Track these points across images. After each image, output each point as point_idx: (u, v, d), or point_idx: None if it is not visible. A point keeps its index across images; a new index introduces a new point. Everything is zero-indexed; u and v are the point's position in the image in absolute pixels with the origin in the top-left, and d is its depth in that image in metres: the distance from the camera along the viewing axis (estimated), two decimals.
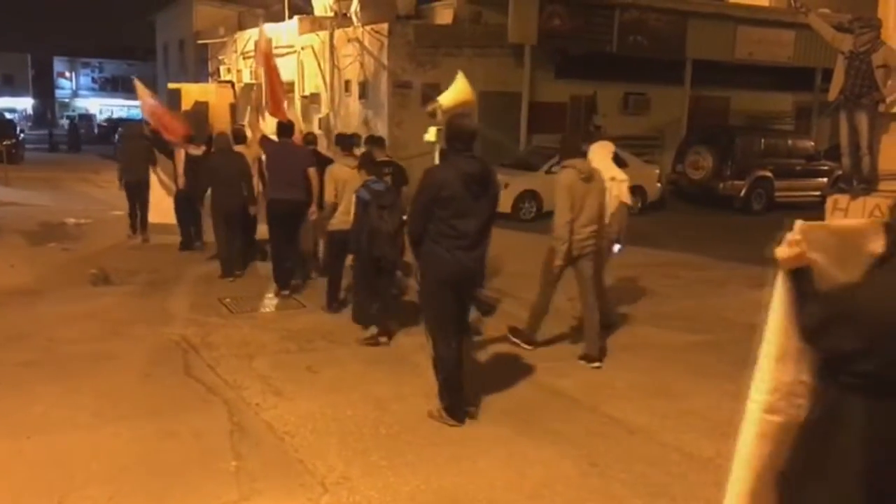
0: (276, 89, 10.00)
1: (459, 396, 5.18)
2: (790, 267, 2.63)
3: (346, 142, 8.50)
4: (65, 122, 53.10)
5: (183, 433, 4.87)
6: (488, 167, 5.10)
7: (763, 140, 17.57)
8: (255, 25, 24.48)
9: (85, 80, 62.69)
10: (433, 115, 8.14)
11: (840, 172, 9.44)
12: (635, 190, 11.84)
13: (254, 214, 9.32)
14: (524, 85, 18.21)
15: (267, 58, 10.29)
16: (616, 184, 7.15)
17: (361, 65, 18.48)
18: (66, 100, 61.63)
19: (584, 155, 6.76)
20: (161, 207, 10.96)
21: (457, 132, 5.04)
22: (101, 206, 14.06)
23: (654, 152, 19.68)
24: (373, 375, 6.04)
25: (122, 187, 11.39)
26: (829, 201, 8.06)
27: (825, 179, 16.70)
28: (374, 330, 6.87)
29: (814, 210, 9.08)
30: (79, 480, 4.23)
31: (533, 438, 4.92)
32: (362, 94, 18.55)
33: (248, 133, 10.23)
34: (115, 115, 49.30)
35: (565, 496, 4.23)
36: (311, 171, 8.26)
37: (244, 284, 8.89)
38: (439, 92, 18.73)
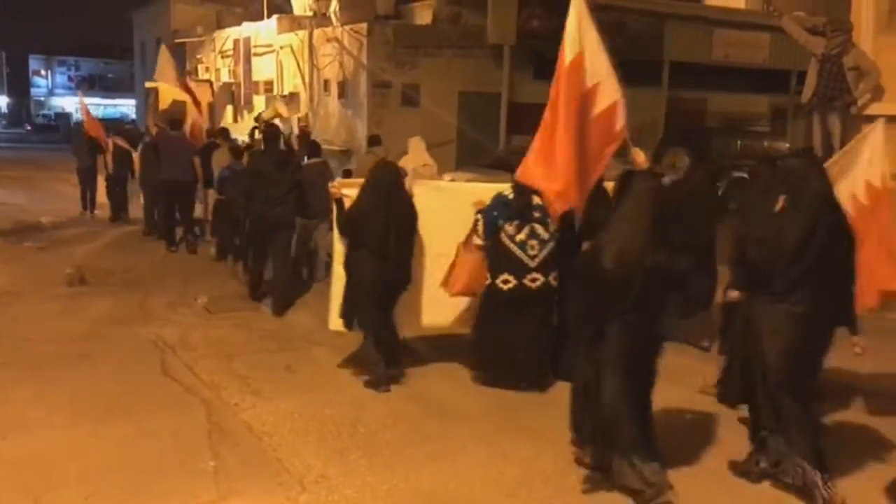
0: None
1: (257, 292, 8.07)
2: (335, 198, 5.86)
3: (224, 134, 11.60)
4: (41, 120, 52.41)
5: (161, 433, 4.86)
6: (288, 155, 8.52)
7: (739, 142, 17.73)
8: (234, 24, 24.43)
9: (61, 78, 61.73)
10: (258, 121, 12.84)
11: None
12: None
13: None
14: (503, 85, 18.23)
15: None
16: (427, 168, 9.38)
17: (341, 64, 18.42)
18: (42, 98, 60.75)
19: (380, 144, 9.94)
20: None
21: (266, 135, 8.56)
22: (76, 205, 13.92)
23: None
24: (351, 375, 6.04)
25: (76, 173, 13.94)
26: None
27: None
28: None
29: None
30: (55, 480, 4.20)
31: (511, 437, 4.95)
32: (342, 94, 18.50)
33: (152, 131, 12.78)
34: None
35: (543, 493, 4.27)
36: (196, 159, 10.68)
37: (222, 284, 8.87)
38: (419, 92, 18.85)
